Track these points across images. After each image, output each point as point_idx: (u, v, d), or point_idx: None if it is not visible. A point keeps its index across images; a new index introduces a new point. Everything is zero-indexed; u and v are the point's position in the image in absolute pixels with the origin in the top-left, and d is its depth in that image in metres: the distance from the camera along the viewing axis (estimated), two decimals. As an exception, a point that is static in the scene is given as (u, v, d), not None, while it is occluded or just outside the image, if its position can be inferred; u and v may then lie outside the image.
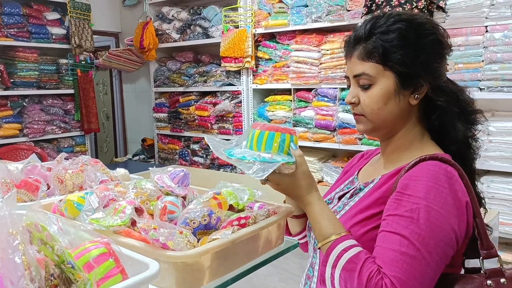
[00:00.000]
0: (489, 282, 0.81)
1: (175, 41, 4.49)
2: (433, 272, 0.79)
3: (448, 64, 0.99)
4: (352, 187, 1.04)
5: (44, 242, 0.57)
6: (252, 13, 3.80)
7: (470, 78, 2.76)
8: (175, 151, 4.62)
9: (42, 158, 4.25)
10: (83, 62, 4.61)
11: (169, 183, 0.94)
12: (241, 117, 4.03)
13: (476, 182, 0.99)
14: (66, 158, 1.28)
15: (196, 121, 4.32)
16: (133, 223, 0.81)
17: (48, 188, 1.10)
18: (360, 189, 1.00)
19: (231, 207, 0.92)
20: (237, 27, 3.92)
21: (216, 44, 4.05)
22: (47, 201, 0.96)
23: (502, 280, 0.81)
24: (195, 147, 4.45)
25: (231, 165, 4.13)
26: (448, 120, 0.95)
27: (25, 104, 4.24)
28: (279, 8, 3.67)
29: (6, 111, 4.08)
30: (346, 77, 1.01)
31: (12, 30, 4.01)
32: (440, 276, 0.82)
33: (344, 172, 1.17)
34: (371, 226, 0.90)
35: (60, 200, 0.92)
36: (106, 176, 1.13)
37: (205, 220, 0.80)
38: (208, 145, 4.39)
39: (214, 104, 4.17)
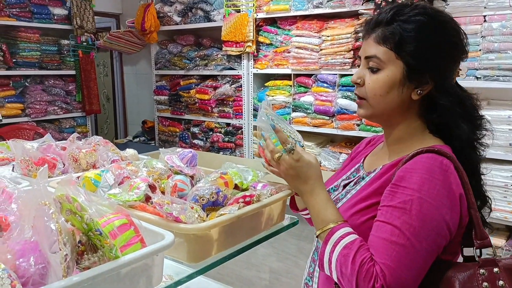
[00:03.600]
0: (482, 271, 0.84)
1: (177, 24, 4.51)
2: (422, 261, 0.83)
3: (460, 69, 0.99)
4: (357, 175, 1.07)
5: (73, 212, 0.63)
6: (254, -2, 3.82)
7: (467, 67, 2.81)
8: (175, 134, 4.69)
9: (44, 138, 4.31)
10: (85, 43, 4.63)
11: (178, 163, 1.00)
12: (241, 101, 4.08)
13: (482, 181, 1.00)
14: (78, 138, 1.35)
15: (197, 104, 4.38)
16: (147, 199, 0.88)
17: (63, 166, 1.16)
18: (363, 178, 1.03)
19: (236, 186, 0.99)
20: (238, 11, 3.94)
21: (217, 28, 4.07)
22: (65, 177, 1.02)
23: (495, 269, 0.84)
24: (195, 130, 4.51)
25: (230, 147, 4.20)
26: (451, 119, 0.96)
27: (27, 84, 4.28)
28: (281, -7, 3.70)
29: (8, 91, 4.12)
30: (359, 57, 1.03)
31: (14, 10, 4.02)
32: (436, 262, 0.86)
33: (350, 158, 1.20)
34: (370, 215, 0.93)
35: (78, 177, 0.98)
36: (117, 156, 1.19)
37: (213, 197, 0.87)
38: (208, 128, 4.43)
39: (215, 88, 4.21)
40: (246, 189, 1.00)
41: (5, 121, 4.05)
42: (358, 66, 1.02)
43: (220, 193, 0.88)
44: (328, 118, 3.49)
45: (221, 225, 0.80)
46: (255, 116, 4.04)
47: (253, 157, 4.10)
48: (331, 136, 3.72)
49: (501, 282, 0.83)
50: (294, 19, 3.66)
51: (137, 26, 4.61)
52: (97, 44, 4.82)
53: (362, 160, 1.12)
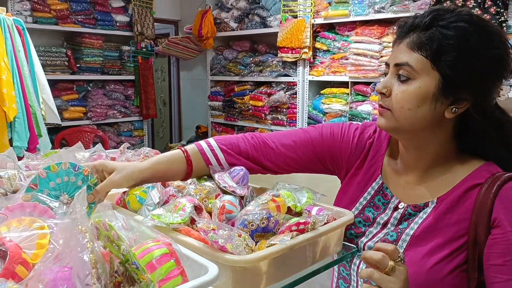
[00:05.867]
0: None
1: (233, 30, 4.51)
2: None
3: (502, 89, 0.87)
4: (390, 206, 0.94)
5: (110, 240, 0.58)
6: (311, 3, 3.72)
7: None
8: (228, 140, 4.67)
9: (103, 141, 4.47)
10: (144, 49, 4.75)
11: (230, 183, 0.93)
12: (296, 108, 3.99)
13: None
14: (128, 147, 1.32)
15: (250, 111, 4.34)
16: (192, 220, 0.82)
17: (111, 178, 1.14)
18: (410, 214, 0.90)
19: (288, 209, 0.90)
20: (295, 17, 3.86)
21: (273, 34, 4.02)
22: (112, 192, 0.99)
23: None
24: (248, 136, 4.47)
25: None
26: (487, 143, 0.87)
27: (89, 88, 4.45)
28: (341, -2, 3.57)
29: (72, 95, 4.31)
30: (386, 64, 0.91)
31: (79, 17, 4.20)
32: None
33: (345, 155, 1.04)
34: (454, 265, 0.82)
35: (124, 192, 0.94)
36: (166, 169, 1.15)
37: (263, 223, 0.79)
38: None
39: (269, 95, 4.15)
40: (299, 213, 0.91)
41: (67, 123, 4.24)
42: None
43: (271, 218, 0.80)
44: (387, 128, 3.31)
45: (271, 256, 0.72)
46: (309, 124, 3.93)
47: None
48: (389, 147, 3.52)
49: None
50: (353, 25, 3.52)
51: (194, 32, 4.67)
52: (156, 50, 4.94)
53: (380, 179, 0.98)
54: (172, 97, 5.84)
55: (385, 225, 0.94)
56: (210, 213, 0.89)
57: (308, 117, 3.93)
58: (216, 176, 0.95)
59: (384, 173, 0.99)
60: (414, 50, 0.83)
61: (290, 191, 0.94)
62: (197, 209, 0.85)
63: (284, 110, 4.10)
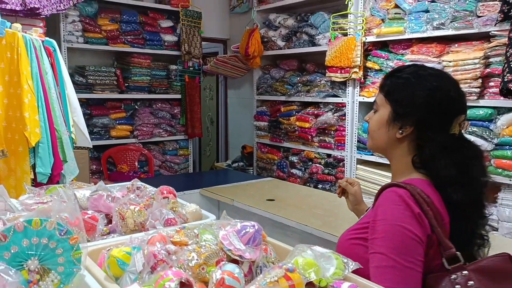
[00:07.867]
0: (453, 276, 0.99)
1: (280, 48, 4.36)
2: (413, 272, 0.98)
3: (461, 125, 1.13)
4: None
5: None
6: (363, 20, 3.48)
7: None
8: (273, 161, 4.49)
9: (148, 160, 4.44)
10: (191, 68, 4.72)
11: (238, 245, 0.74)
12: (344, 131, 3.73)
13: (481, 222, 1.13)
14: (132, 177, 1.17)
15: (296, 132, 4.13)
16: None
17: (105, 226, 0.98)
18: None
19: (310, 284, 0.70)
20: (345, 34, 3.63)
21: (322, 53, 3.81)
22: (93, 245, 0.83)
23: (464, 272, 0.99)
24: (294, 159, 4.26)
25: (330, 180, 3.85)
26: (430, 160, 1.12)
27: (136, 107, 4.46)
28: (395, 14, 3.30)
29: (120, 113, 4.34)
30: None
31: (129, 37, 4.24)
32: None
33: None
34: (357, 237, 1.13)
35: (108, 249, 0.78)
36: (173, 214, 0.98)
37: (268, 312, 0.60)
38: (308, 158, 4.10)
39: (316, 116, 3.93)
40: (324, 289, 0.70)
41: (114, 141, 4.26)
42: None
43: (280, 305, 0.60)
44: (447, 156, 2.97)
45: None
46: (359, 148, 3.66)
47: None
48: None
49: (470, 282, 0.97)
50: (409, 43, 3.23)
51: (241, 51, 4.57)
52: (204, 68, 4.90)
53: None
54: (219, 115, 5.77)
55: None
56: (207, 284, 0.71)
57: (358, 141, 3.66)
58: (220, 234, 0.76)
59: None
60: (380, 91, 1.22)
61: (312, 258, 0.74)
62: (185, 286, 0.66)
63: (332, 133, 3.86)
